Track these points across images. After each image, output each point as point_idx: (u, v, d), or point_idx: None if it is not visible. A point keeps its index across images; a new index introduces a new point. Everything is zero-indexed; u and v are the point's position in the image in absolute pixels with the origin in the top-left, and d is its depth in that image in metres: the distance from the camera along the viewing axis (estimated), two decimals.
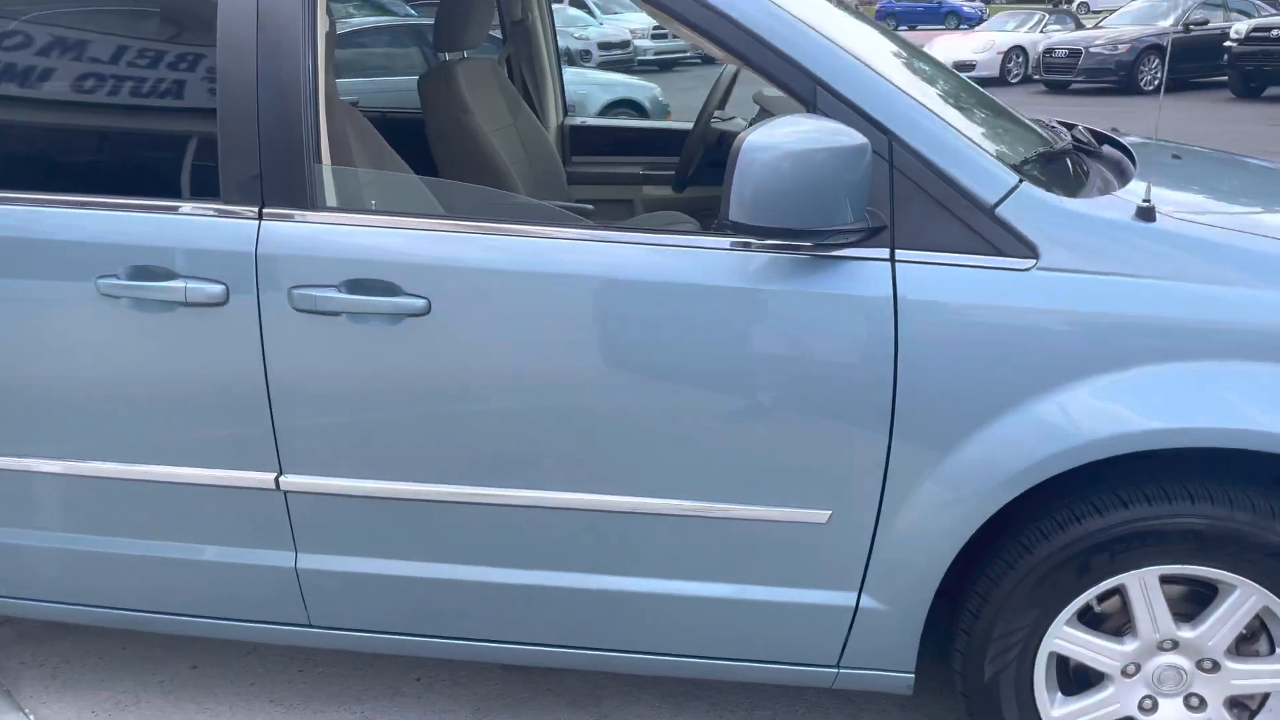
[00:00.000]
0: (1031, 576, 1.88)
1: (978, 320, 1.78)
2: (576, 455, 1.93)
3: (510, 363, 1.90)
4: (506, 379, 1.91)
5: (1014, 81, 19.24)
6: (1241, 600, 1.86)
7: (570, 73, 8.63)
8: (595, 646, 2.10)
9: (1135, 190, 1.97)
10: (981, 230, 1.79)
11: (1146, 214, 1.81)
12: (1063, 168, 2.11)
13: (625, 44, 18.70)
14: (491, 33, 3.48)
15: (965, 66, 17.59)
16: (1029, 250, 1.79)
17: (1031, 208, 1.80)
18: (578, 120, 4.01)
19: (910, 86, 1.91)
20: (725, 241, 1.83)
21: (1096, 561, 1.85)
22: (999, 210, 1.79)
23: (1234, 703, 1.98)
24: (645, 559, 1.99)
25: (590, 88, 10.12)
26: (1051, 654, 1.96)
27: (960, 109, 2.10)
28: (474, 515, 2.00)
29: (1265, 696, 1.95)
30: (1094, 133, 2.57)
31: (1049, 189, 1.85)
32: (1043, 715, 1.99)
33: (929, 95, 2.00)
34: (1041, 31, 20.03)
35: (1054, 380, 1.77)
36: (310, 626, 2.17)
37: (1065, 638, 1.93)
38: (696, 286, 1.83)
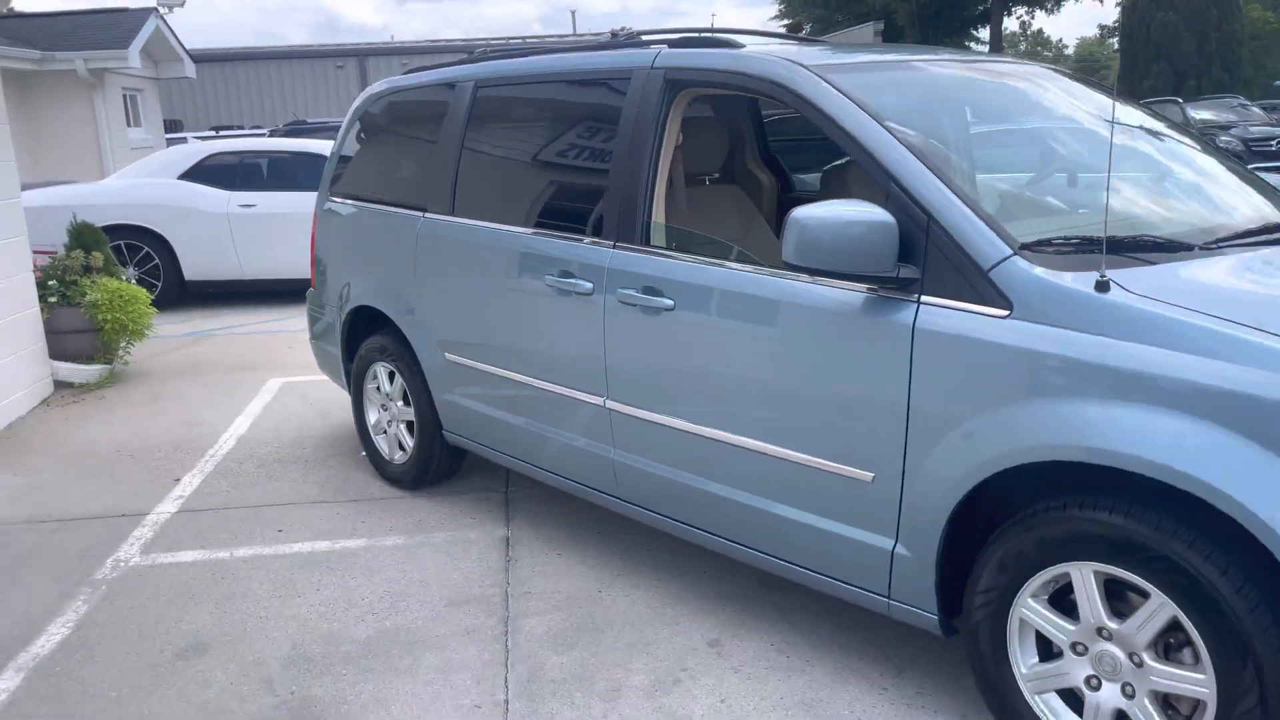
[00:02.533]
0: (1006, 549, 2.50)
1: (964, 349, 2.51)
2: (740, 408, 3.03)
3: (715, 344, 3.08)
4: (712, 354, 3.09)
5: None
6: (1155, 606, 2.27)
7: None
8: (747, 545, 3.14)
9: (1168, 271, 2.45)
10: (977, 286, 2.51)
11: (1103, 287, 2.35)
12: (1086, 244, 2.58)
13: None
14: None
15: None
16: (1006, 304, 2.46)
17: (1012, 274, 2.46)
18: None
19: (959, 178, 2.66)
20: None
21: (1046, 548, 2.42)
22: (990, 274, 2.49)
23: (1166, 704, 2.33)
24: (759, 481, 3.01)
25: None
26: (1024, 621, 2.52)
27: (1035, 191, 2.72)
28: (685, 438, 3.21)
29: (1198, 705, 2.28)
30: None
31: (1041, 261, 2.47)
32: (1013, 667, 2.55)
33: (969, 184, 2.69)
34: None
35: (1008, 399, 2.43)
36: (617, 497, 3.56)
37: (1029, 608, 2.49)
38: (805, 307, 2.83)
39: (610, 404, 3.46)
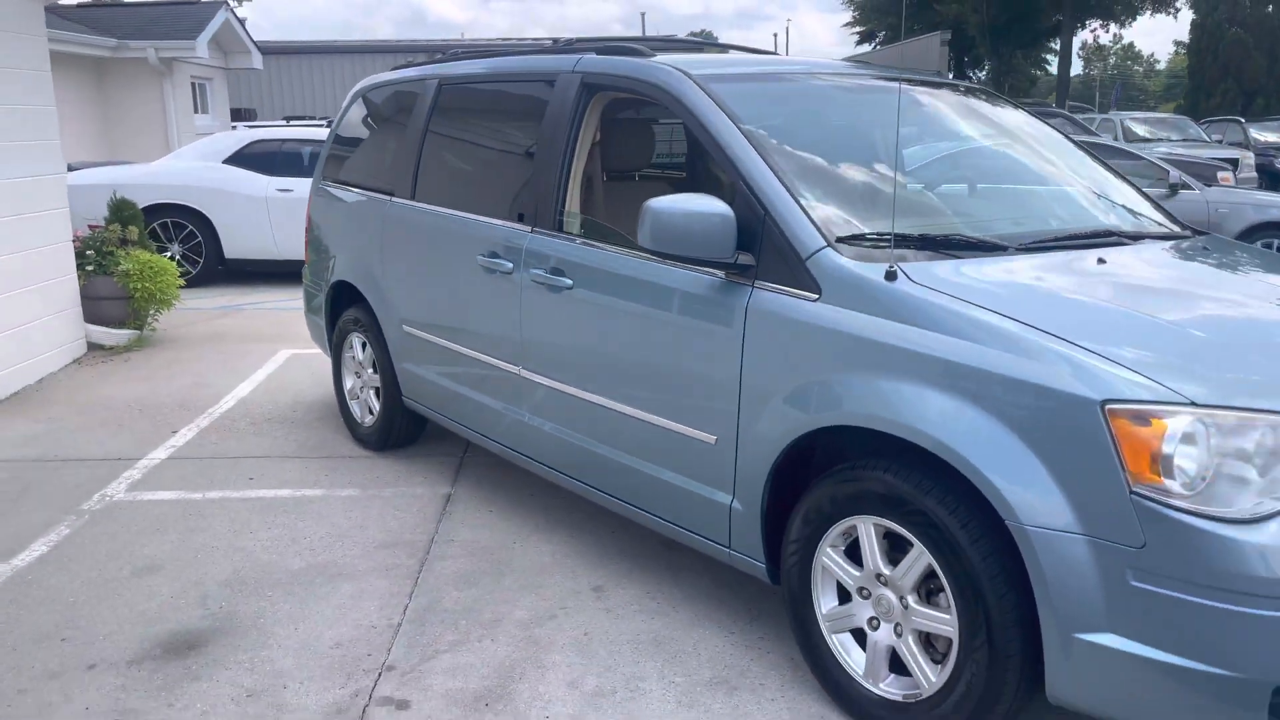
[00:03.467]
0: (810, 505, 2.84)
1: (782, 328, 2.86)
2: (617, 376, 3.41)
3: (599, 319, 3.46)
4: (597, 328, 3.47)
5: None
6: (916, 555, 2.60)
7: None
8: (628, 501, 3.52)
9: (977, 264, 2.78)
10: (797, 274, 2.86)
11: (891, 276, 2.68)
12: (899, 240, 2.89)
13: None
14: None
15: None
16: (817, 289, 2.80)
17: (823, 263, 2.80)
18: None
19: (800, 180, 3.00)
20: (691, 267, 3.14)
21: (838, 504, 2.76)
22: (807, 262, 2.84)
23: (928, 643, 2.65)
24: (633, 443, 3.38)
25: None
26: (825, 569, 2.86)
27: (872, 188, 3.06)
28: (578, 404, 3.59)
29: (950, 644, 2.60)
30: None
31: (851, 253, 2.80)
32: (816, 609, 2.89)
33: (812, 185, 3.02)
34: None
35: (813, 372, 2.77)
36: (531, 458, 3.96)
37: (828, 557, 2.83)
38: (664, 288, 3.20)
39: (524, 372, 3.86)
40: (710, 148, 3.18)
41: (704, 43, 4.48)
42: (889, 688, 2.73)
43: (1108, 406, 2.25)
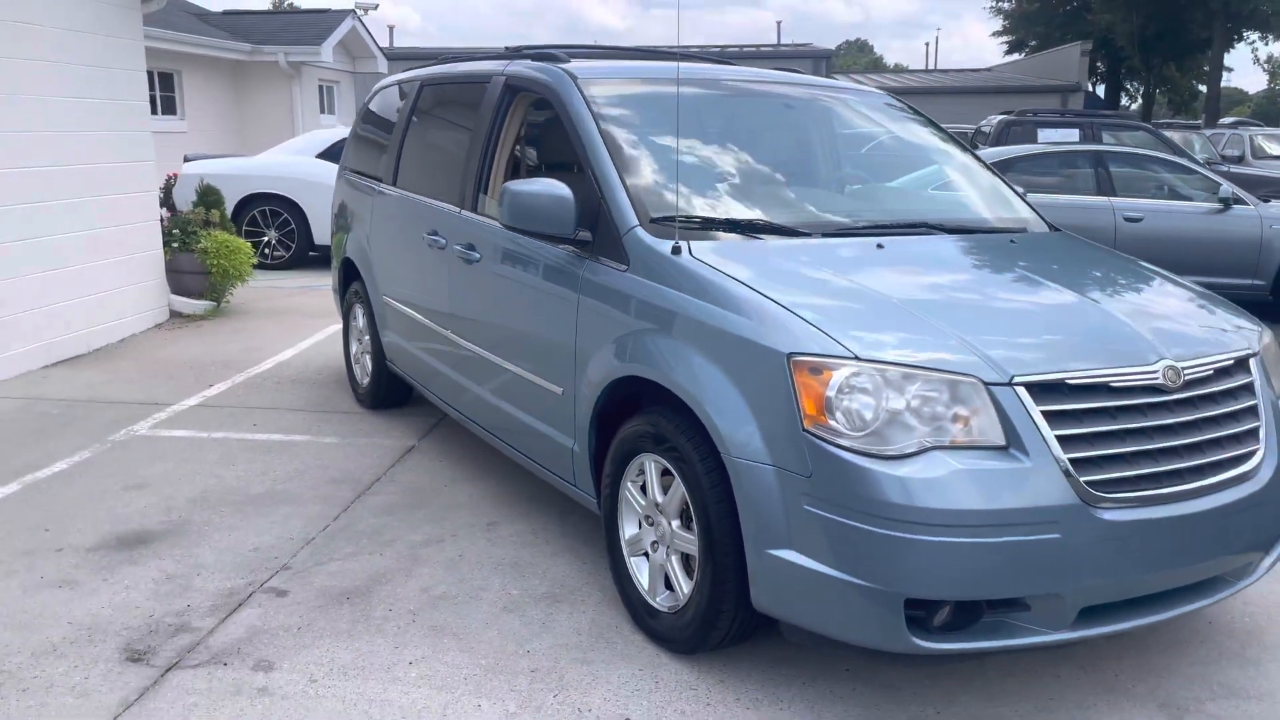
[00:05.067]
0: (616, 445, 3.31)
1: (602, 294, 3.34)
2: (506, 336, 3.95)
3: (496, 286, 4.01)
4: (494, 294, 4.02)
5: None
6: (676, 486, 3.05)
7: None
8: (506, 441, 4.05)
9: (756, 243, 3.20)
10: (616, 248, 3.33)
11: (676, 250, 3.13)
12: (709, 223, 3.32)
13: None
14: None
15: None
16: (627, 262, 3.28)
17: (633, 240, 3.27)
18: None
19: (638, 172, 3.47)
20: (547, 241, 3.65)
21: (631, 443, 3.22)
22: (623, 238, 3.31)
23: (687, 563, 3.09)
24: (517, 396, 3.91)
25: None
26: (626, 500, 3.32)
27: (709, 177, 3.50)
28: (485, 363, 4.14)
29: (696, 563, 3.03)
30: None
31: (657, 232, 3.26)
32: (620, 535, 3.35)
33: (646, 175, 3.47)
34: None
35: (618, 330, 3.25)
36: (460, 411, 4.53)
37: (628, 490, 3.30)
38: (532, 260, 3.72)
39: (451, 335, 4.44)
40: (574, 140, 3.68)
41: (639, 49, 4.95)
42: (662, 601, 3.17)
43: (793, 358, 2.66)
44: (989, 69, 42.75)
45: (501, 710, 2.84)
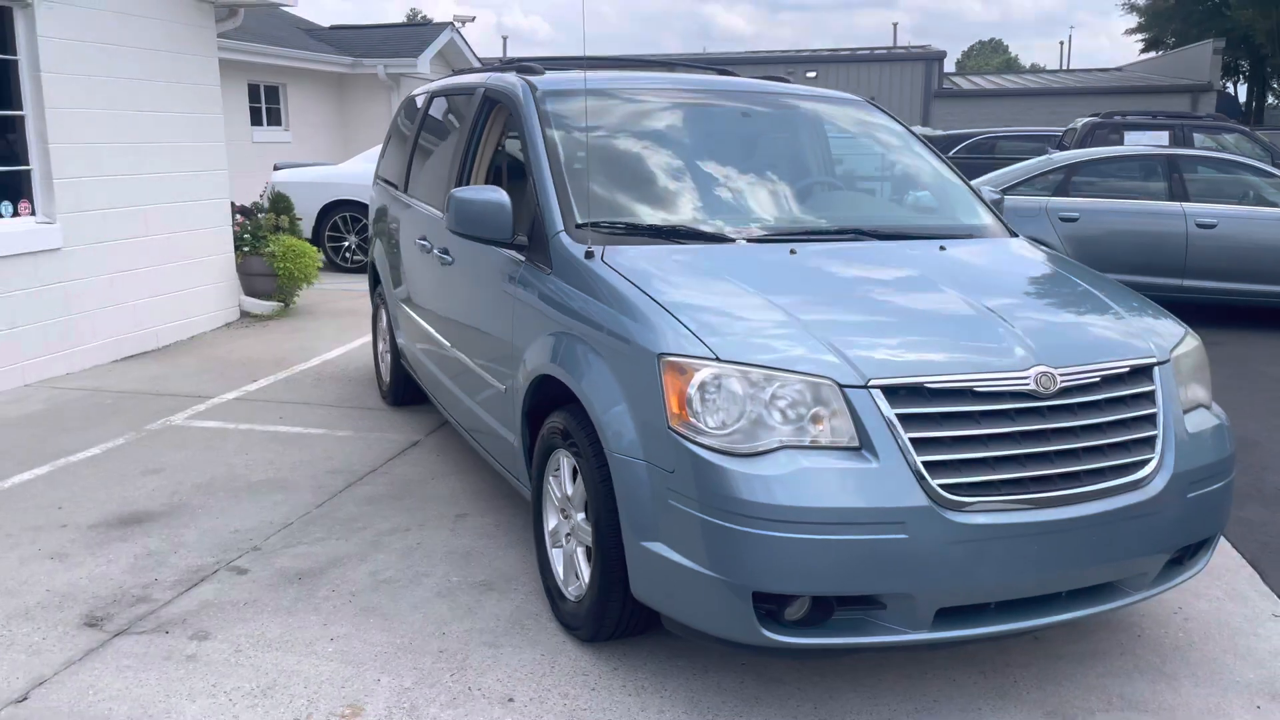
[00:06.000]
0: (541, 440, 3.46)
1: (531, 298, 3.50)
2: (468, 336, 4.15)
3: (462, 287, 4.21)
4: (461, 295, 4.22)
5: None
6: (579, 480, 3.18)
7: None
8: (472, 437, 4.24)
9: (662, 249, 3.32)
10: (544, 252, 3.49)
11: (589, 255, 3.27)
12: (630, 228, 3.44)
13: None
14: None
15: None
16: (550, 265, 3.43)
17: (556, 244, 3.42)
18: None
19: (574, 180, 3.61)
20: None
21: (549, 439, 3.37)
22: (550, 242, 3.47)
23: (588, 551, 3.21)
24: (476, 394, 4.10)
25: None
26: (548, 492, 3.46)
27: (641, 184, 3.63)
28: (459, 363, 4.35)
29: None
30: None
31: (578, 237, 3.39)
32: (545, 525, 3.49)
33: (582, 183, 3.60)
34: None
35: (540, 331, 3.40)
36: (442, 405, 4.75)
37: (551, 483, 3.45)
38: (485, 264, 3.91)
39: (436, 334, 4.66)
40: (525, 148, 3.85)
41: (624, 59, 5.07)
42: (572, 590, 3.31)
43: (662, 358, 2.76)
44: (1118, 69, 41.12)
45: (397, 685, 3.02)
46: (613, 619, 3.07)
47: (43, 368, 6.70)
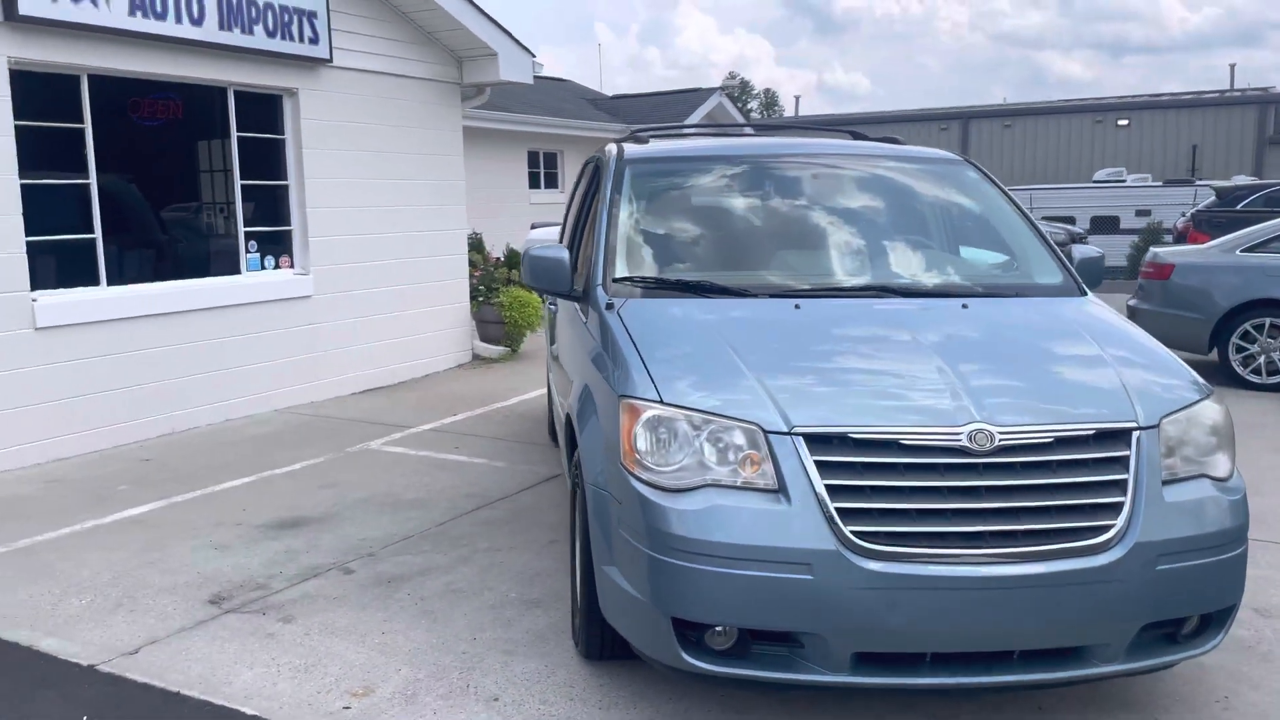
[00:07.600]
0: (570, 471, 3.83)
1: (580, 340, 3.90)
2: (562, 373, 4.60)
3: (562, 328, 4.68)
4: (560, 333, 4.69)
5: None
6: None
7: None
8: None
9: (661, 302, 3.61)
10: (590, 301, 3.87)
11: (610, 307, 3.61)
12: (658, 283, 3.73)
13: None
14: None
15: None
16: (586, 315, 3.81)
17: (594, 296, 3.78)
18: None
19: (627, 239, 3.96)
20: None
21: (574, 473, 3.72)
22: (591, 294, 3.84)
23: None
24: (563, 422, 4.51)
25: None
26: (578, 518, 3.80)
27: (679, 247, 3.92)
28: (557, 395, 4.81)
29: None
30: None
31: (614, 290, 3.74)
32: (574, 548, 3.83)
33: (635, 243, 3.94)
34: None
35: (575, 365, 3.79)
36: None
37: (577, 510, 3.79)
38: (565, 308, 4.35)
39: (564, 367, 5.15)
40: (599, 212, 4.27)
41: (758, 124, 5.34)
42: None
43: (623, 399, 3.06)
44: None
45: (411, 676, 3.47)
46: (596, 638, 3.36)
47: (292, 396, 7.89)
